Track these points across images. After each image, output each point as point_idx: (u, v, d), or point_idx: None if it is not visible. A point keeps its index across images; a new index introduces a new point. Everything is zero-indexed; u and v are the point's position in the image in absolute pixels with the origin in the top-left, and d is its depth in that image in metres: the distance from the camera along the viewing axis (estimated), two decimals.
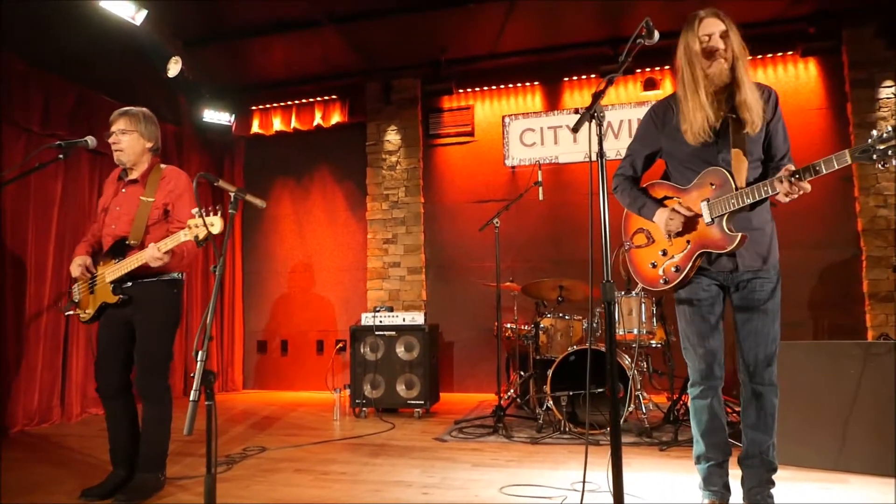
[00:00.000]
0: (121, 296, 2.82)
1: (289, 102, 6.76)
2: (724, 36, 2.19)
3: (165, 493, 2.88)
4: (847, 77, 5.48)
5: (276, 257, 6.87)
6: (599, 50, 5.79)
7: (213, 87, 6.52)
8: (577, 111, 5.99)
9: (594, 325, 4.27)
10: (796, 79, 5.69)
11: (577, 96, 6.11)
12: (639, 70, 5.93)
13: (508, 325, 4.91)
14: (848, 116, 5.42)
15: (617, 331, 4.06)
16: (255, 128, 6.79)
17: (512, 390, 4.74)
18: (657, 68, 5.91)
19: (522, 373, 4.75)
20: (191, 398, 1.80)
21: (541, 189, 4.56)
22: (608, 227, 1.82)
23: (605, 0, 5.14)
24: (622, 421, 3.83)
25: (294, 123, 6.72)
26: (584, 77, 6.04)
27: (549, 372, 3.97)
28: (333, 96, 6.66)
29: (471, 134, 6.38)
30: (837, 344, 3.38)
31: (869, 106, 5.33)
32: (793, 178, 1.99)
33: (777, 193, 2.05)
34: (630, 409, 3.84)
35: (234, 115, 6.69)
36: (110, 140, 2.92)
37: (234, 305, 6.74)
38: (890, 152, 1.82)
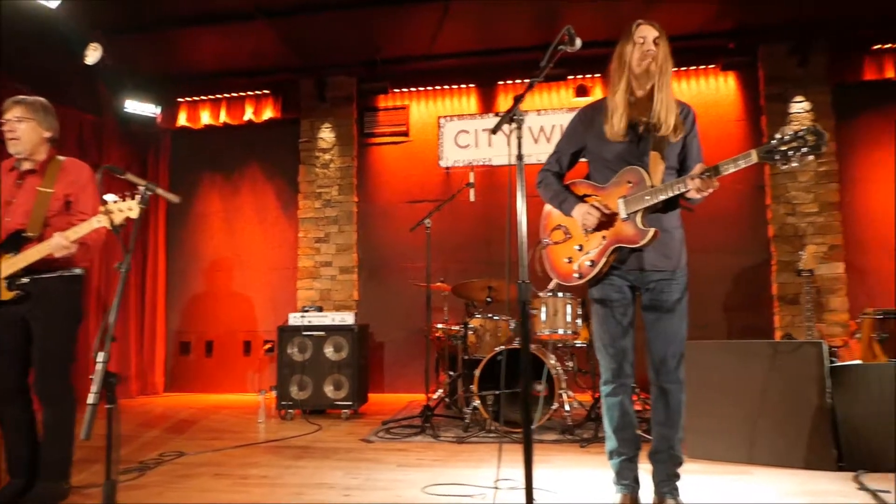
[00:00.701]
0: (17, 292, 2.64)
1: (218, 95, 6.55)
2: (657, 43, 2.28)
3: (69, 503, 2.72)
4: (762, 91, 5.80)
5: (202, 255, 6.64)
6: (534, 55, 5.82)
7: (137, 76, 6.23)
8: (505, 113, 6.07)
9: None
10: (717, 91, 5.98)
11: (511, 100, 6.18)
12: (571, 77, 6.08)
13: (439, 326, 4.92)
14: (762, 129, 5.73)
15: (543, 331, 4.17)
16: (182, 121, 6.55)
17: (441, 390, 4.75)
18: (589, 76, 6.07)
19: (451, 373, 4.78)
20: (88, 401, 1.71)
21: (472, 191, 4.60)
22: (526, 228, 1.85)
23: (540, 7, 5.24)
24: (546, 419, 3.91)
25: (224, 117, 6.52)
26: (519, 81, 6.14)
27: (477, 372, 4.00)
28: (266, 91, 6.50)
29: (406, 134, 6.37)
30: (746, 343, 3.56)
31: (781, 119, 5.66)
32: (703, 175, 2.10)
33: (689, 190, 2.15)
34: (554, 407, 3.92)
35: (159, 107, 6.42)
36: (4, 129, 2.74)
37: (156, 305, 6.46)
38: (790, 153, 1.95)
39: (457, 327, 4.75)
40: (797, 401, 3.16)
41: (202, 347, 6.50)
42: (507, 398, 4.00)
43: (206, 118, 6.53)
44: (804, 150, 1.93)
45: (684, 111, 2.38)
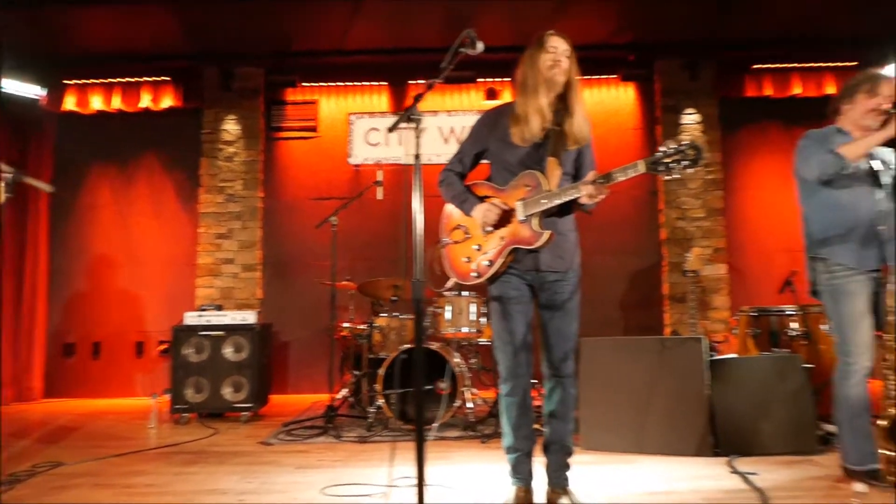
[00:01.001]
0: None
1: (112, 80, 6.14)
2: (567, 55, 2.37)
3: None
4: (658, 103, 6.16)
5: (91, 251, 6.19)
6: (446, 56, 5.95)
7: (18, 53, 5.72)
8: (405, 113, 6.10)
9: (426, 323, 4.36)
10: (617, 100, 6.29)
11: (422, 99, 6.22)
12: (481, 80, 6.18)
13: (345, 325, 4.86)
14: (657, 138, 6.09)
15: (448, 329, 4.22)
16: (70, 105, 6.09)
17: (345, 390, 4.70)
18: (498, 79, 6.20)
19: (356, 372, 4.73)
20: None
21: (380, 189, 4.59)
22: (422, 227, 1.86)
23: (451, 10, 5.30)
24: (450, 416, 3.96)
25: (118, 104, 6.12)
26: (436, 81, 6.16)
27: (381, 371, 3.99)
28: (166, 78, 6.17)
29: (315, 129, 6.25)
30: (636, 339, 3.77)
31: (675, 130, 6.03)
32: (596, 182, 2.20)
33: (582, 195, 2.24)
34: (457, 404, 3.97)
35: (44, 89, 5.93)
36: None
37: (35, 304, 5.95)
38: (672, 165, 2.08)
39: (363, 326, 4.71)
40: (680, 393, 3.38)
41: (88, 349, 6.06)
42: (411, 396, 4.01)
43: (97, 103, 6.10)
44: (685, 162, 2.06)
45: None
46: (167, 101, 6.13)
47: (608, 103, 6.26)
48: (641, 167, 2.15)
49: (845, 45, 5.88)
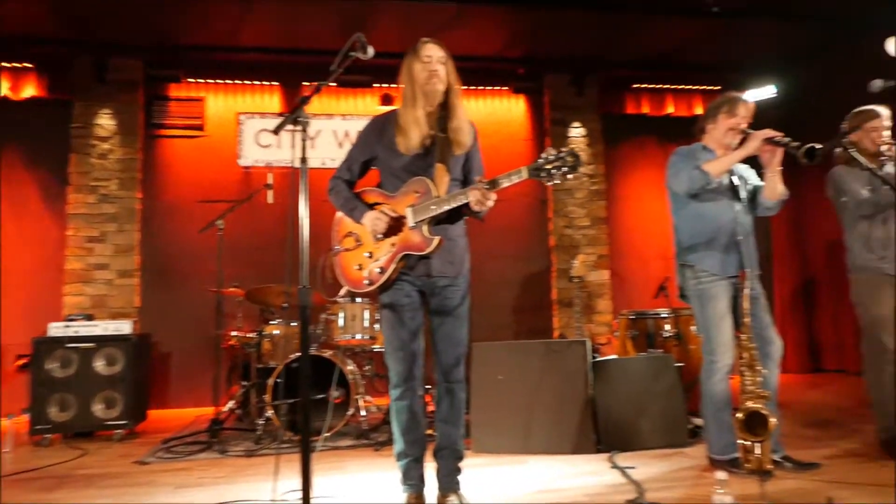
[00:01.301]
0: None
1: None
2: (442, 62, 2.38)
3: None
4: (547, 115, 6.44)
5: None
6: (336, 60, 5.87)
7: None
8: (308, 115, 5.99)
9: (318, 331, 4.26)
10: (509, 111, 6.49)
11: (316, 102, 6.06)
12: (377, 85, 6.15)
13: (233, 333, 4.65)
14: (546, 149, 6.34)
15: (341, 336, 4.15)
16: None
17: (232, 402, 4.48)
18: (394, 85, 6.17)
19: (245, 383, 4.53)
20: None
21: (270, 192, 4.43)
22: (308, 232, 1.81)
23: (347, 13, 5.24)
24: (342, 425, 3.89)
25: None
26: (325, 84, 6.05)
27: (270, 381, 3.85)
28: (28, 64, 5.61)
29: (201, 128, 5.93)
30: (525, 343, 3.90)
31: (562, 142, 6.32)
32: (482, 188, 2.25)
33: (470, 201, 2.28)
34: (350, 412, 3.91)
35: None
36: None
37: None
38: (553, 171, 2.17)
39: (251, 335, 4.53)
40: (566, 393, 3.53)
41: None
42: (300, 406, 3.89)
43: None
44: (564, 169, 2.15)
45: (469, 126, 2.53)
46: (29, 90, 5.57)
47: (500, 114, 6.45)
48: (525, 173, 2.22)
49: (711, 71, 6.46)
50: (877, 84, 2.34)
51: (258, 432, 3.88)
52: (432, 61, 2.37)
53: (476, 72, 6.25)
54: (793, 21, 5.46)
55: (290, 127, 1.97)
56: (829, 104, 3.94)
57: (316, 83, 2.14)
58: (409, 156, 2.41)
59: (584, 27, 5.58)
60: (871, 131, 3.08)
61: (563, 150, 2.16)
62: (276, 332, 4.37)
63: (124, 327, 4.34)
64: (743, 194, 3.03)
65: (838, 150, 3.06)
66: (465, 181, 2.48)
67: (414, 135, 2.37)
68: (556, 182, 2.17)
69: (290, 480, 2.79)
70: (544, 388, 3.57)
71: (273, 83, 6.12)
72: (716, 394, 2.93)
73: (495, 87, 6.46)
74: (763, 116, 3.15)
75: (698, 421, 3.48)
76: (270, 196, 4.47)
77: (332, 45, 5.92)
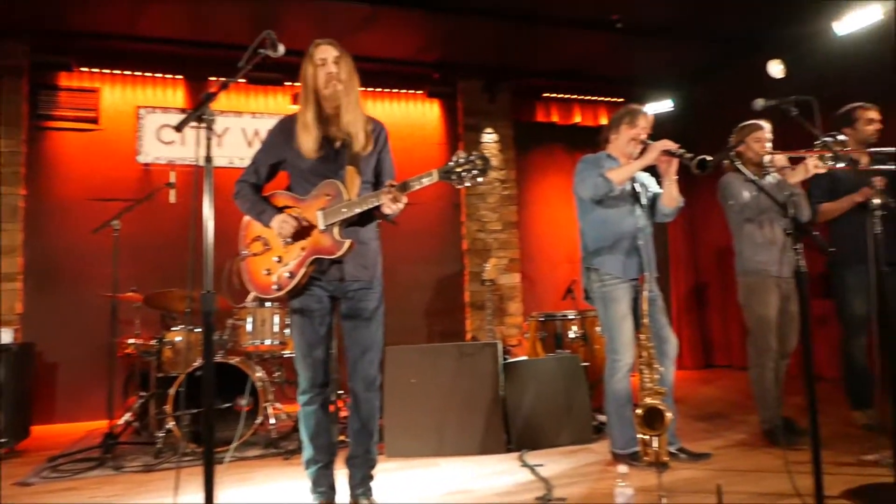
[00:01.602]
0: None
1: None
2: (337, 62, 2.34)
3: None
4: (461, 121, 6.52)
5: None
6: (244, 56, 5.68)
7: None
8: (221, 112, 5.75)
9: (224, 337, 4.09)
10: (423, 115, 6.52)
11: (223, 98, 5.84)
12: (289, 83, 6.00)
13: (130, 341, 4.36)
14: None
15: (249, 342, 4.00)
16: None
17: (129, 414, 4.20)
18: None
19: (143, 393, 4.26)
20: None
21: (173, 191, 4.21)
22: (212, 234, 1.74)
23: (257, 9, 5.07)
24: (251, 434, 3.75)
25: None
26: (234, 80, 5.83)
27: (172, 390, 3.65)
28: None
29: (95, 121, 5.54)
30: (438, 346, 3.92)
31: (475, 147, 6.42)
32: (393, 189, 2.23)
33: (381, 203, 2.26)
34: (259, 421, 3.78)
35: None
36: None
37: None
38: (463, 174, 2.19)
39: (151, 342, 4.27)
40: (477, 395, 3.58)
41: None
42: (203, 416, 3.71)
43: None
44: (474, 172, 2.18)
45: (377, 128, 2.52)
46: None
47: (414, 117, 6.47)
48: (435, 176, 2.23)
49: (615, 84, 6.79)
50: (759, 103, 2.55)
51: (158, 445, 3.66)
52: (327, 63, 2.34)
53: (391, 74, 6.24)
54: (689, 41, 5.84)
55: (194, 124, 1.87)
56: (719, 119, 4.25)
57: (223, 79, 2.05)
58: (319, 158, 2.37)
59: (497, 36, 5.71)
60: (754, 143, 3.35)
61: (474, 153, 2.19)
62: (177, 338, 4.15)
63: (4, 336, 3.97)
64: (643, 201, 3.21)
65: (726, 161, 3.30)
66: (377, 184, 2.47)
67: (305, 139, 2.34)
68: (466, 185, 2.20)
69: (193, 495, 2.65)
70: (456, 390, 3.60)
71: (177, 76, 5.82)
72: (618, 391, 3.07)
73: (410, 91, 6.47)
74: (661, 128, 3.35)
75: (602, 418, 3.64)
76: (173, 195, 4.24)
77: (242, 40, 5.74)
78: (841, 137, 2.85)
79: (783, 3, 4.97)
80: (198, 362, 3.75)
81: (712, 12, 5.28)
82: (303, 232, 2.33)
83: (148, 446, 3.83)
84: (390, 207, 2.26)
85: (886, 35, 4.73)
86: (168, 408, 3.63)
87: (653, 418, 2.60)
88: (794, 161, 3.26)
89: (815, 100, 2.52)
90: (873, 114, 3.56)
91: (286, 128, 2.46)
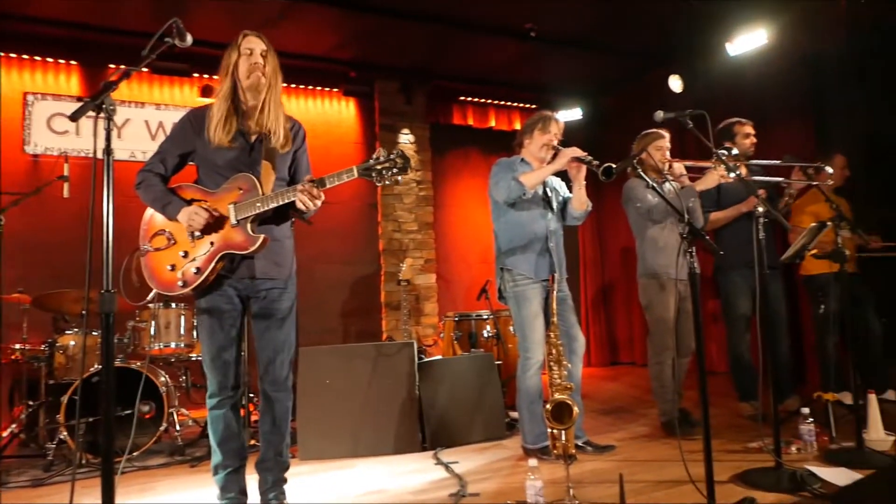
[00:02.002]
0: None
1: None
2: (264, 56, 2.29)
3: None
4: (377, 121, 6.48)
5: None
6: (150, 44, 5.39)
7: None
8: (123, 102, 5.42)
9: (125, 340, 3.86)
10: (339, 114, 6.44)
11: (124, 88, 5.51)
12: (197, 75, 5.75)
13: (16, 346, 4.01)
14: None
15: (153, 345, 3.80)
16: None
17: (14, 425, 3.87)
18: (216, 77, 5.81)
19: (31, 402, 3.94)
20: None
21: (66, 185, 3.92)
22: (112, 230, 1.64)
23: None
24: (153, 442, 3.56)
25: None
26: (136, 69, 5.50)
27: (64, 398, 3.40)
28: None
29: None
30: (353, 347, 3.89)
31: (392, 147, 6.37)
32: (310, 185, 2.20)
33: (297, 199, 2.21)
34: (163, 427, 3.60)
35: None
36: None
37: None
38: (384, 172, 2.19)
39: (41, 347, 3.96)
40: (393, 395, 3.58)
41: None
42: (100, 425, 3.49)
43: None
44: (394, 170, 2.18)
45: (295, 127, 2.48)
46: None
47: (330, 115, 6.37)
48: (355, 172, 2.21)
49: (528, 90, 6.99)
50: (659, 115, 2.71)
51: (48, 458, 3.40)
52: (253, 53, 2.30)
53: (306, 71, 6.11)
54: (598, 54, 6.11)
55: (91, 113, 1.76)
56: (624, 128, 4.48)
57: (124, 67, 1.93)
58: (232, 151, 2.31)
59: (414, 38, 5.73)
60: (655, 151, 3.56)
61: (394, 151, 2.20)
62: (71, 342, 3.88)
63: None
64: (555, 205, 3.33)
65: (630, 169, 3.49)
66: (292, 183, 2.42)
67: (218, 128, 2.28)
68: (386, 183, 2.20)
69: None
70: (372, 390, 3.59)
71: (71, 62, 5.42)
72: (529, 387, 3.17)
73: (326, 88, 6.37)
74: (570, 136, 3.49)
75: (514, 414, 3.74)
76: (66, 189, 3.93)
77: (147, 28, 5.42)
78: (735, 151, 3.09)
79: (684, 23, 5.31)
80: (94, 367, 3.52)
81: (620, 28, 5.56)
82: (213, 226, 2.24)
83: (37, 459, 3.56)
84: (306, 204, 2.21)
85: (769, 58, 5.17)
86: (60, 417, 3.38)
87: (561, 413, 2.70)
88: (691, 170, 3.50)
89: (707, 114, 2.71)
90: (749, 129, 3.90)
91: (198, 117, 2.38)
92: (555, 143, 3.22)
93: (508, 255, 3.23)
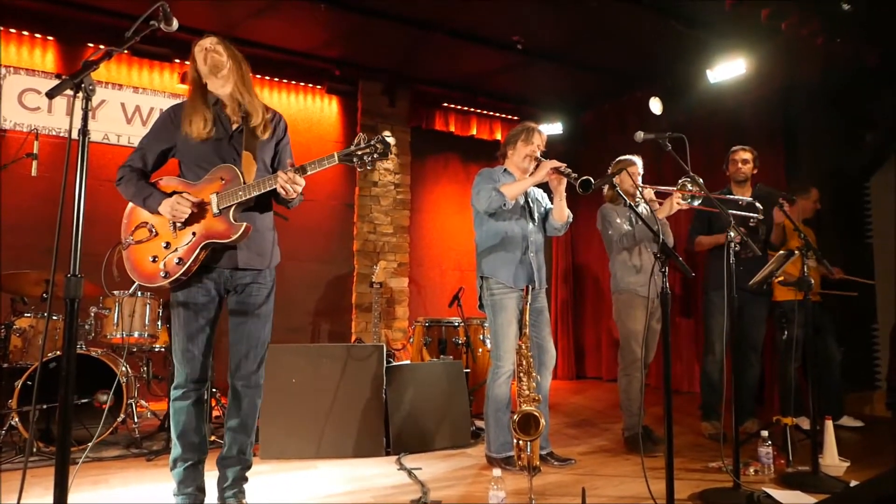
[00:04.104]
0: None
1: None
2: (214, 44, 2.33)
3: None
4: (359, 120, 6.45)
5: None
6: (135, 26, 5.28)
7: None
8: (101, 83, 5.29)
9: (87, 326, 3.76)
10: (321, 111, 6.39)
11: (102, 68, 5.38)
12: (178, 61, 5.65)
13: None
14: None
15: (115, 334, 3.71)
16: None
17: None
18: None
19: None
20: None
21: (35, 163, 3.81)
22: (82, 213, 1.60)
23: None
24: (109, 432, 3.46)
25: None
26: (117, 50, 5.37)
27: (18, 383, 3.29)
28: None
29: None
30: (321, 347, 3.84)
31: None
32: (290, 172, 2.20)
33: (277, 185, 2.21)
34: (121, 418, 3.50)
35: None
36: None
37: None
38: (365, 157, 2.19)
39: None
40: (360, 398, 3.55)
41: None
42: (55, 413, 3.38)
43: None
44: (375, 155, 2.19)
45: (276, 117, 2.49)
46: None
47: (312, 112, 6.32)
48: (336, 158, 2.22)
49: (511, 101, 7.04)
50: (640, 135, 2.75)
51: None
52: (205, 48, 2.32)
53: (290, 65, 6.06)
54: (581, 70, 6.18)
55: (69, 92, 1.71)
56: (602, 145, 4.55)
57: (106, 48, 1.89)
58: (212, 143, 2.31)
59: (401, 41, 5.71)
60: (628, 176, 3.63)
61: (375, 137, 2.21)
62: (28, 325, 3.75)
63: None
64: (536, 215, 3.35)
65: (606, 186, 3.54)
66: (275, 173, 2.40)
67: (194, 119, 2.29)
68: (367, 168, 2.22)
69: (39, 500, 2.42)
70: (338, 391, 3.55)
71: (48, 37, 5.27)
72: (498, 396, 3.17)
73: (309, 84, 6.32)
74: (551, 149, 3.51)
75: (480, 423, 3.74)
76: (35, 168, 3.82)
77: (124, 8, 5.33)
78: (700, 180, 3.18)
79: (668, 47, 5.41)
80: (53, 353, 3.41)
81: (604, 47, 5.64)
82: (195, 216, 2.24)
83: None
84: (286, 190, 2.20)
85: (747, 88, 5.31)
86: (13, 403, 3.27)
87: (528, 424, 2.71)
88: (659, 195, 3.59)
89: (685, 137, 2.76)
90: (742, 154, 4.02)
91: (177, 113, 2.38)
92: (538, 154, 3.24)
93: (488, 263, 3.24)
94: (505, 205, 3.12)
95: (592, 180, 2.80)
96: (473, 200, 3.28)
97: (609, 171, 3.74)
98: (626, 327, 3.66)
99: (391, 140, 6.41)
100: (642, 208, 3.69)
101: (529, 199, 3.35)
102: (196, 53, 2.33)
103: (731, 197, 3.83)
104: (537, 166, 3.16)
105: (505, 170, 3.35)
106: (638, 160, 3.73)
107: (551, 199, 3.33)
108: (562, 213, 3.26)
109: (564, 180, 3.10)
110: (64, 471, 1.43)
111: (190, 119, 2.29)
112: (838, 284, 4.19)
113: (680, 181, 3.37)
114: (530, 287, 3.15)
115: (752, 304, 3.92)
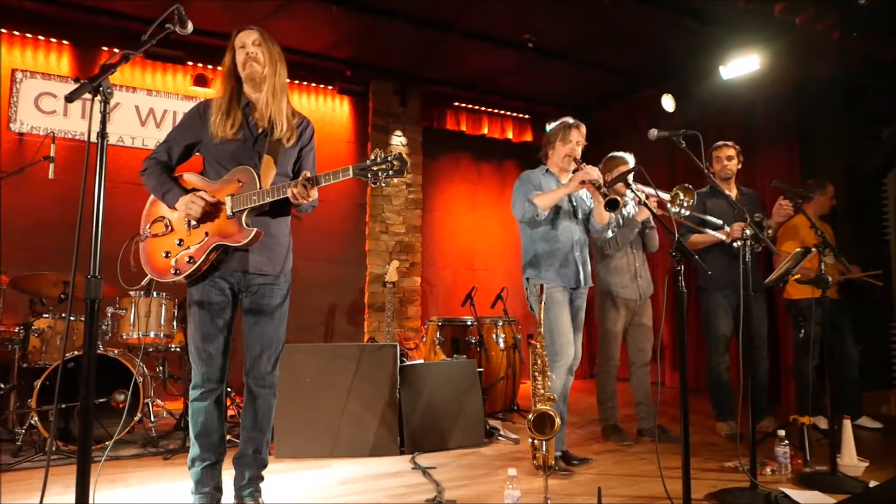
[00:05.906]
0: None
1: None
2: (258, 44, 2.30)
3: None
4: (371, 121, 6.47)
5: None
6: (149, 29, 5.32)
7: None
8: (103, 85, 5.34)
9: (105, 326, 3.80)
10: (333, 111, 6.41)
11: (116, 71, 5.43)
12: (191, 63, 5.69)
13: None
14: (368, 154, 6.37)
15: (131, 334, 3.75)
16: None
17: None
18: (210, 66, 5.78)
19: (2, 385, 3.86)
20: None
21: (52, 166, 3.85)
22: (102, 215, 1.62)
23: None
24: (126, 432, 3.50)
25: None
26: (132, 53, 5.43)
27: (38, 382, 3.33)
28: None
29: None
30: (335, 346, 3.86)
31: (384, 148, 6.37)
32: (302, 183, 2.18)
33: (288, 195, 2.21)
34: (137, 418, 3.54)
35: None
36: None
37: None
38: (380, 174, 2.17)
39: (16, 329, 3.87)
40: (373, 397, 3.56)
41: None
42: (76, 413, 3.42)
43: None
44: (391, 172, 2.17)
45: (304, 123, 2.48)
46: None
47: (324, 112, 6.34)
48: (350, 172, 2.20)
49: (522, 100, 7.02)
50: (653, 133, 2.73)
51: (18, 443, 3.33)
52: (246, 45, 2.32)
53: (302, 66, 6.08)
54: (592, 69, 6.15)
55: (87, 95, 1.73)
56: (614, 144, 4.51)
57: (122, 51, 1.91)
58: (234, 143, 2.32)
59: (412, 41, 5.72)
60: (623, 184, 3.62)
61: (392, 153, 2.18)
62: (47, 326, 3.80)
63: None
64: (580, 215, 3.33)
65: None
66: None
67: (219, 119, 2.30)
68: (382, 184, 2.20)
69: (59, 497, 2.45)
70: (352, 391, 3.56)
71: (63, 42, 5.33)
72: (555, 390, 3.12)
73: (321, 85, 6.34)
74: None
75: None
76: (52, 171, 3.87)
77: (142, 12, 5.37)
78: (689, 186, 3.16)
79: (680, 44, 5.37)
80: (71, 353, 3.45)
81: (616, 45, 5.60)
82: (209, 216, 2.25)
83: (7, 444, 3.48)
84: (297, 199, 2.20)
85: (761, 84, 5.25)
86: (32, 402, 3.31)
87: (543, 424, 2.71)
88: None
89: (700, 135, 2.74)
90: (726, 151, 3.99)
91: (206, 109, 2.39)
92: (577, 152, 3.22)
93: (532, 264, 3.24)
94: (537, 216, 3.11)
95: (620, 200, 2.82)
96: (512, 208, 3.28)
97: (600, 167, 3.67)
98: (604, 327, 3.84)
99: (408, 160, 6.41)
100: (627, 210, 3.71)
101: (573, 199, 3.33)
102: (236, 48, 2.32)
103: (708, 218, 3.81)
104: (576, 169, 3.14)
105: (547, 170, 3.35)
106: (630, 157, 3.70)
107: None
108: (602, 216, 3.23)
109: None
110: (86, 470, 1.45)
111: (217, 117, 2.30)
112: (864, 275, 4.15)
113: (672, 192, 3.27)
114: (575, 286, 3.18)
115: (755, 301, 3.84)
